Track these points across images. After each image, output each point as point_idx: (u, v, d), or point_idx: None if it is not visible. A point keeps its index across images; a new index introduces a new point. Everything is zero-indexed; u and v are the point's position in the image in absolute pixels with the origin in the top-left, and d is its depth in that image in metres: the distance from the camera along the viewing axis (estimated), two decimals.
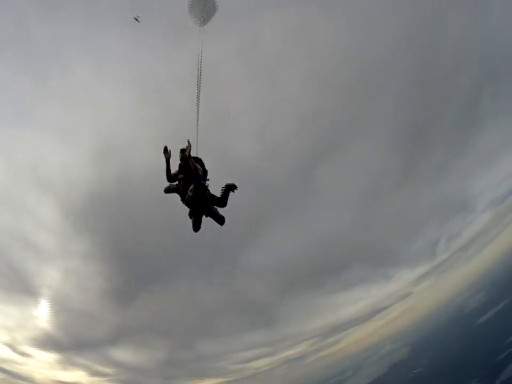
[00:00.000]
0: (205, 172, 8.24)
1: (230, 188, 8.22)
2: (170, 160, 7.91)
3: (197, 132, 8.51)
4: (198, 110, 8.58)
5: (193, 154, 8.24)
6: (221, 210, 8.30)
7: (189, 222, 8.05)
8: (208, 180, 8.29)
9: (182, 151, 7.99)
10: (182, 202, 7.94)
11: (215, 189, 8.45)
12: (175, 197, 8.11)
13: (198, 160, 8.27)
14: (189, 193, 7.64)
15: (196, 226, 7.99)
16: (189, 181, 7.75)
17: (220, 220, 8.11)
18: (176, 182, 8.01)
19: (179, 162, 8.09)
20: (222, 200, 8.20)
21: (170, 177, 8.03)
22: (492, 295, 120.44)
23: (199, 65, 8.82)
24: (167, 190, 8.12)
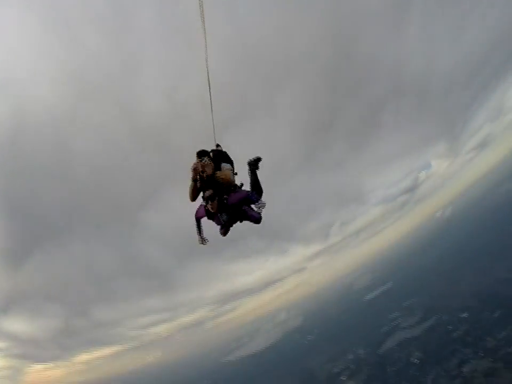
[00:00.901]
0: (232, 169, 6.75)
1: (255, 165, 6.73)
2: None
3: (211, 105, 6.70)
4: (208, 78, 6.42)
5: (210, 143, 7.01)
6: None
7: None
8: (235, 173, 6.79)
9: (201, 156, 6.26)
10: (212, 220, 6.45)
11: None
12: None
13: (222, 156, 6.85)
14: (223, 218, 6.22)
15: (226, 233, 6.52)
16: (222, 195, 6.16)
17: (257, 221, 6.39)
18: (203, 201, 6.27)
19: (194, 173, 6.16)
20: (256, 189, 6.67)
21: (195, 196, 6.42)
22: (378, 276, 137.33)
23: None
24: (200, 216, 6.57)
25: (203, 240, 6.59)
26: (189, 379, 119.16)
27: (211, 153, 6.64)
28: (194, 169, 6.07)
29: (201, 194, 6.33)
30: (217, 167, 6.37)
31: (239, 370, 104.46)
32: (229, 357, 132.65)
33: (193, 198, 6.42)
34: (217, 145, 7.07)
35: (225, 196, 6.13)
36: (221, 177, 6.20)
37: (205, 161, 6.12)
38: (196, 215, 6.57)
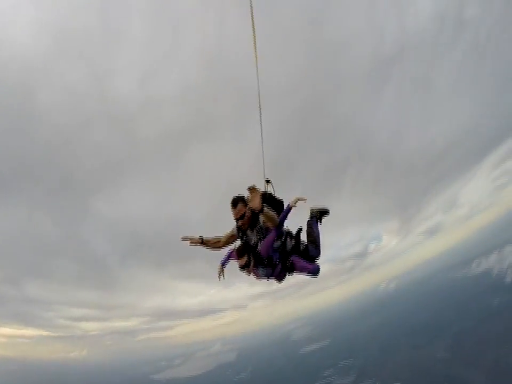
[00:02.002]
0: (283, 210, 5.53)
1: (319, 217, 6.08)
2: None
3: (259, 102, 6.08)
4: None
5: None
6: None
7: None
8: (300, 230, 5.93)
9: (234, 205, 5.48)
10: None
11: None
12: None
13: (266, 202, 5.53)
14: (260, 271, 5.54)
15: (281, 280, 5.90)
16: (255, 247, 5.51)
17: (312, 272, 5.68)
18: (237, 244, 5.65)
19: (235, 212, 5.50)
20: (313, 242, 5.92)
21: (220, 246, 5.87)
22: (317, 332, 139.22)
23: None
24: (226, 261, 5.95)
25: (220, 274, 5.83)
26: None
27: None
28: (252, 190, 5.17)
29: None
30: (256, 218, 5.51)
31: None
32: (158, 375, 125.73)
33: (223, 245, 5.85)
34: (267, 181, 6.26)
35: (259, 248, 5.42)
36: (269, 216, 5.22)
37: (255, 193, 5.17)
38: (230, 252, 5.88)
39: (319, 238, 5.94)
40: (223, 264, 5.86)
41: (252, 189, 5.10)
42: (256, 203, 5.03)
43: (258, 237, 5.50)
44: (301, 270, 5.64)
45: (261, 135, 6.15)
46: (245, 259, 5.29)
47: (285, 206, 5.39)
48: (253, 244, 5.49)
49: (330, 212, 6.10)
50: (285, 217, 5.34)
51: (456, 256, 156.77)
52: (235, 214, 5.44)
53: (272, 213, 5.22)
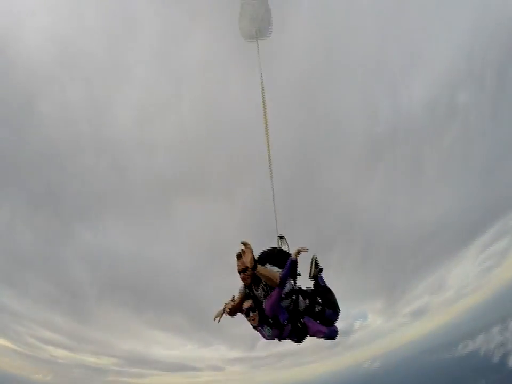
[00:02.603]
0: (292, 269, 5.19)
1: (318, 274, 5.70)
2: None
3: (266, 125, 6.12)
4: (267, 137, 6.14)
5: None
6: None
7: None
8: (299, 274, 5.48)
9: (239, 257, 4.94)
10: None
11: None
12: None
13: (273, 258, 5.55)
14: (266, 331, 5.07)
15: (299, 341, 5.37)
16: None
17: (328, 336, 5.21)
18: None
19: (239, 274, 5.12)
20: (331, 307, 5.43)
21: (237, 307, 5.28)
22: None
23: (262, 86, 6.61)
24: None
25: (217, 317, 5.36)
26: None
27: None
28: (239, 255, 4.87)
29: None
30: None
31: None
32: None
33: (232, 314, 5.26)
34: (281, 237, 5.92)
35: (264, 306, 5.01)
36: (266, 275, 4.82)
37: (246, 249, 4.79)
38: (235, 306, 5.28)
39: (334, 296, 5.49)
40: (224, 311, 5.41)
41: (244, 244, 4.71)
42: (247, 260, 4.66)
43: (264, 293, 5.05)
44: (315, 333, 5.13)
45: (272, 190, 6.10)
46: (250, 302, 5.01)
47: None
48: (260, 301, 5.04)
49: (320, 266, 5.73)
50: (287, 272, 4.93)
51: (442, 338, 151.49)
52: (237, 266, 5.00)
53: (268, 271, 4.84)
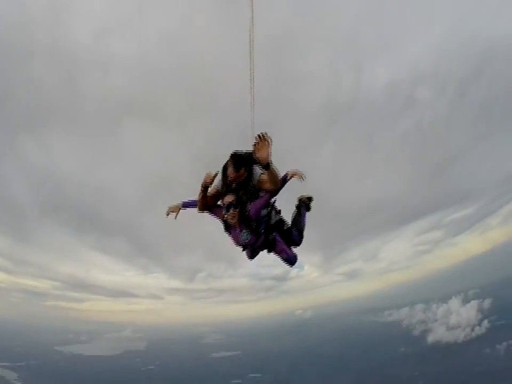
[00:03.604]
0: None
1: (307, 204, 5.68)
2: None
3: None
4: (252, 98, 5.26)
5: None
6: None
7: None
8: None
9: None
10: (226, 232, 5.16)
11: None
12: None
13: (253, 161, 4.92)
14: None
15: (252, 256, 5.39)
16: (245, 205, 4.87)
17: (289, 260, 5.25)
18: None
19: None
20: (298, 231, 5.45)
21: (206, 204, 5.00)
22: (229, 340, 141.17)
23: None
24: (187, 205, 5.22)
25: (173, 212, 5.11)
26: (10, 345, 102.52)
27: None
28: (206, 178, 4.62)
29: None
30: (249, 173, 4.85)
31: (69, 366, 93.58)
32: (63, 347, 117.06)
33: (204, 206, 4.97)
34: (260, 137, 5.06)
35: (248, 208, 4.82)
36: (261, 180, 4.74)
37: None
38: (200, 209, 5.02)
39: (304, 225, 5.50)
40: (185, 206, 5.16)
41: (262, 137, 4.18)
42: (264, 155, 4.21)
43: (248, 197, 4.85)
44: (280, 251, 5.14)
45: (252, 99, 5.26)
46: (232, 197, 4.74)
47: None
48: (242, 201, 4.84)
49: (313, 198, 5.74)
50: (283, 184, 4.92)
51: (370, 303, 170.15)
52: (234, 177, 4.67)
53: (277, 172, 4.50)
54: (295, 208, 5.65)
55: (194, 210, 5.14)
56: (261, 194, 4.89)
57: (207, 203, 4.95)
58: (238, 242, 5.06)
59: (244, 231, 4.90)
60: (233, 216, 4.74)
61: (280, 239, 5.16)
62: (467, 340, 76.54)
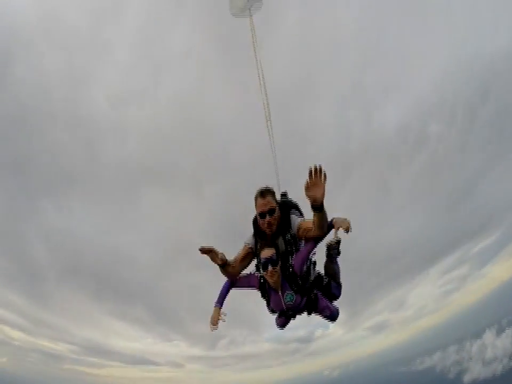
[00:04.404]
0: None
1: (336, 248, 4.64)
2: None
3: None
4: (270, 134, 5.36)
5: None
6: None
7: None
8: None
9: (263, 194, 4.04)
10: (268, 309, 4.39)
11: None
12: None
13: (292, 206, 4.48)
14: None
15: (284, 325, 4.68)
16: (287, 259, 4.10)
17: (332, 316, 4.61)
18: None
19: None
20: (336, 282, 4.70)
21: (237, 271, 4.24)
22: None
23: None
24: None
25: (215, 322, 4.09)
26: None
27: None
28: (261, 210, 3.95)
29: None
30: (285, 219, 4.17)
31: None
32: None
33: (240, 270, 4.22)
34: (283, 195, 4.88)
35: (291, 262, 4.02)
36: (304, 227, 3.96)
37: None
38: (232, 279, 4.22)
39: (339, 273, 4.73)
40: (221, 303, 4.19)
41: (317, 171, 3.43)
42: (318, 193, 3.45)
43: (288, 248, 4.11)
44: (323, 309, 4.41)
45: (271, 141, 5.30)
46: (272, 251, 3.92)
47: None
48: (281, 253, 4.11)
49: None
50: (328, 231, 4.03)
51: (400, 353, 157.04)
52: (262, 205, 3.95)
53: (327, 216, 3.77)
54: (325, 257, 4.78)
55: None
56: (302, 245, 4.19)
57: (238, 270, 4.17)
58: (279, 307, 4.19)
59: (287, 292, 4.07)
60: (273, 275, 3.90)
61: (321, 296, 4.42)
62: (506, 371, 68.26)
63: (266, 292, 4.13)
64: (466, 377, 78.21)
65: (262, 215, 3.96)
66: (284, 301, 4.08)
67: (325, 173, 3.42)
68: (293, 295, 4.06)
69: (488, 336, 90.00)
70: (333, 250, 4.61)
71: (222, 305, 4.15)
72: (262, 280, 4.07)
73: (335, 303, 4.64)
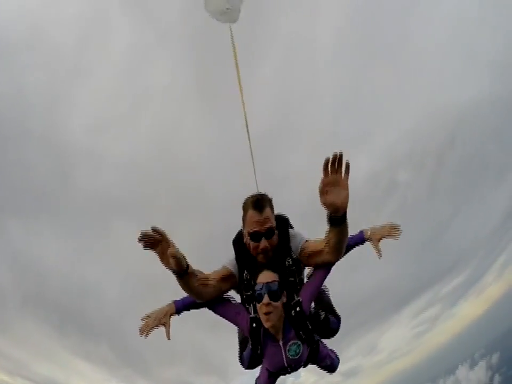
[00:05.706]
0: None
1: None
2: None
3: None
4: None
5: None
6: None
7: None
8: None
9: (260, 205, 2.86)
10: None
11: None
12: None
13: (286, 222, 3.32)
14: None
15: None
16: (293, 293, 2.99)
17: (333, 367, 3.52)
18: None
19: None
20: (333, 315, 3.48)
21: (208, 293, 2.89)
22: None
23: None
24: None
25: (159, 325, 2.97)
26: None
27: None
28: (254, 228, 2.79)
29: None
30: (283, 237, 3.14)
31: None
32: None
33: (213, 292, 2.94)
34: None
35: (298, 298, 2.87)
36: (312, 248, 2.93)
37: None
38: (198, 299, 2.92)
39: (332, 303, 3.57)
40: (179, 310, 2.93)
41: (335, 161, 2.37)
42: (342, 196, 2.43)
43: (289, 278, 2.94)
44: (323, 358, 3.25)
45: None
46: (273, 275, 2.68)
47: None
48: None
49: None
50: (347, 252, 3.04)
51: None
52: (257, 223, 2.69)
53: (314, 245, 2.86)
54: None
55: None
56: (308, 273, 3.23)
57: (209, 291, 2.78)
58: (278, 364, 2.86)
59: (292, 341, 2.79)
60: (275, 311, 2.62)
61: (322, 342, 3.28)
62: None
63: (259, 340, 2.78)
64: None
65: (255, 236, 2.73)
66: (287, 355, 2.78)
67: (348, 165, 2.38)
68: (299, 345, 2.81)
69: (461, 371, 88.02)
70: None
71: (180, 313, 2.96)
72: (254, 325, 2.74)
73: (334, 348, 3.57)
